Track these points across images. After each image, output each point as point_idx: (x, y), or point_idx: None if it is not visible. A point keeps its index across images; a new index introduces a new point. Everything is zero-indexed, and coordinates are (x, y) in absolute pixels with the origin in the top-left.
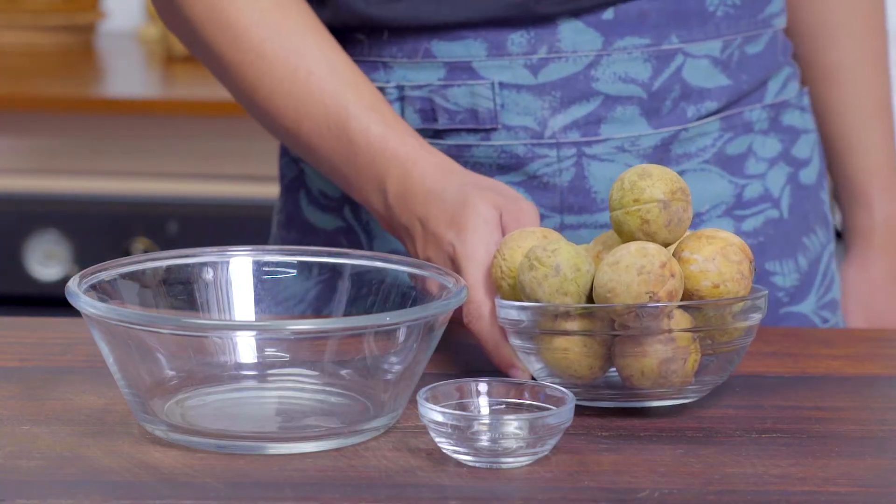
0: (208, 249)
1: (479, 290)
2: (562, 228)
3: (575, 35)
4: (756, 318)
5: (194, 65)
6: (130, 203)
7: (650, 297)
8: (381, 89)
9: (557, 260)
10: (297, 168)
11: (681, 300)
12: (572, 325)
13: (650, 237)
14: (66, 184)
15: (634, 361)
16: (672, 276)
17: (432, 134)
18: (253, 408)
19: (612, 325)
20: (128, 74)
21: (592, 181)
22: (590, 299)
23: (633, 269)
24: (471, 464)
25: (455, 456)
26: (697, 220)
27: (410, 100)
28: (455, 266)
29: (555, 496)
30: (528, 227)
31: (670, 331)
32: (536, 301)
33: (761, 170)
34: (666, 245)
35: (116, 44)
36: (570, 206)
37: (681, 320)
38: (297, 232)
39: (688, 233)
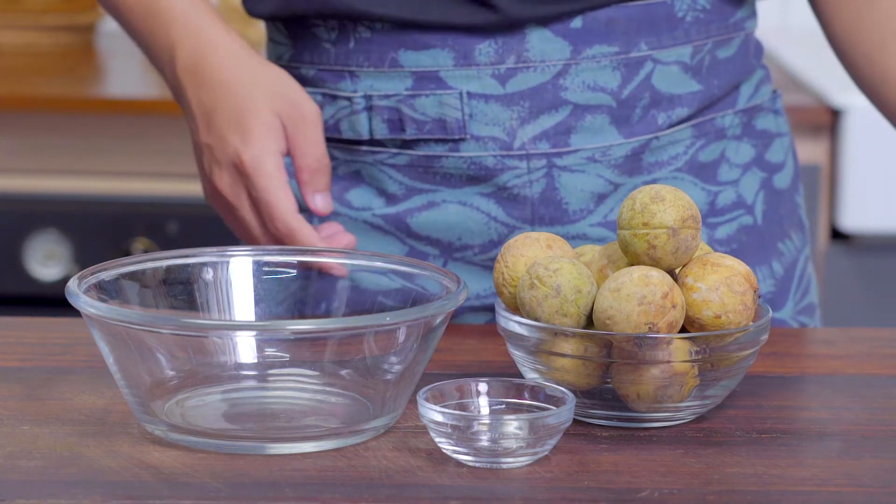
0: (208, 249)
1: (277, 196)
2: None
3: (543, 44)
4: (757, 345)
5: None
6: (130, 203)
7: (650, 328)
8: (349, 99)
9: (559, 280)
10: None
11: (682, 326)
12: (570, 347)
13: (655, 262)
14: (66, 184)
15: (631, 386)
16: (673, 306)
17: (401, 144)
18: (253, 408)
19: (610, 349)
20: (128, 74)
21: (563, 192)
22: (590, 319)
23: (633, 299)
24: (471, 464)
25: (455, 456)
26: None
27: (378, 109)
28: (242, 174)
29: (555, 496)
30: (305, 132)
31: (669, 361)
32: (536, 320)
33: (734, 176)
34: (670, 270)
35: (116, 44)
36: (541, 218)
37: (680, 349)
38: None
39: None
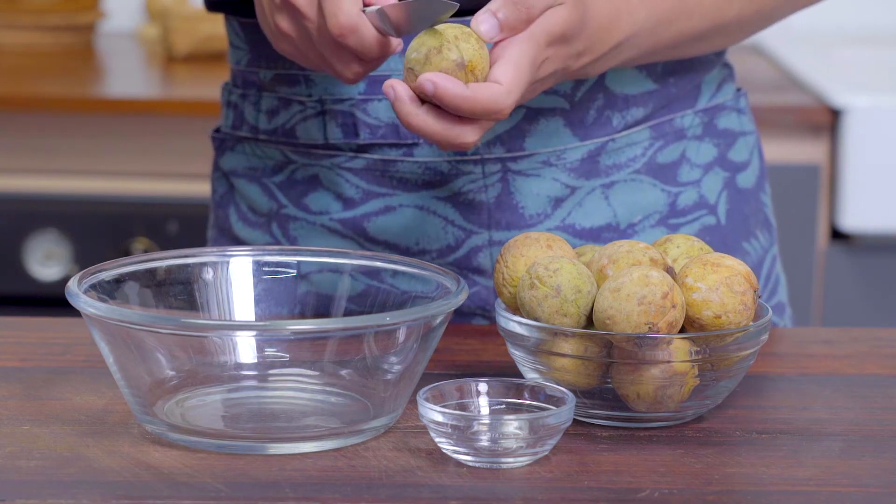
0: (208, 249)
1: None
2: (490, 245)
3: None
4: (757, 345)
5: (194, 65)
6: (130, 203)
7: (650, 328)
8: (302, 103)
9: (559, 280)
10: (227, 183)
11: (682, 326)
12: (570, 346)
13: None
14: (66, 184)
15: (631, 385)
16: (673, 306)
17: (356, 148)
18: (253, 408)
19: (610, 349)
20: (128, 74)
21: (519, 197)
22: (590, 319)
23: (633, 299)
24: (471, 464)
25: (455, 456)
26: (630, 231)
27: (332, 114)
28: None
29: (555, 496)
30: None
31: (669, 361)
32: (536, 320)
33: (695, 176)
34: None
35: (116, 44)
36: (497, 223)
37: (680, 349)
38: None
39: (694, 258)
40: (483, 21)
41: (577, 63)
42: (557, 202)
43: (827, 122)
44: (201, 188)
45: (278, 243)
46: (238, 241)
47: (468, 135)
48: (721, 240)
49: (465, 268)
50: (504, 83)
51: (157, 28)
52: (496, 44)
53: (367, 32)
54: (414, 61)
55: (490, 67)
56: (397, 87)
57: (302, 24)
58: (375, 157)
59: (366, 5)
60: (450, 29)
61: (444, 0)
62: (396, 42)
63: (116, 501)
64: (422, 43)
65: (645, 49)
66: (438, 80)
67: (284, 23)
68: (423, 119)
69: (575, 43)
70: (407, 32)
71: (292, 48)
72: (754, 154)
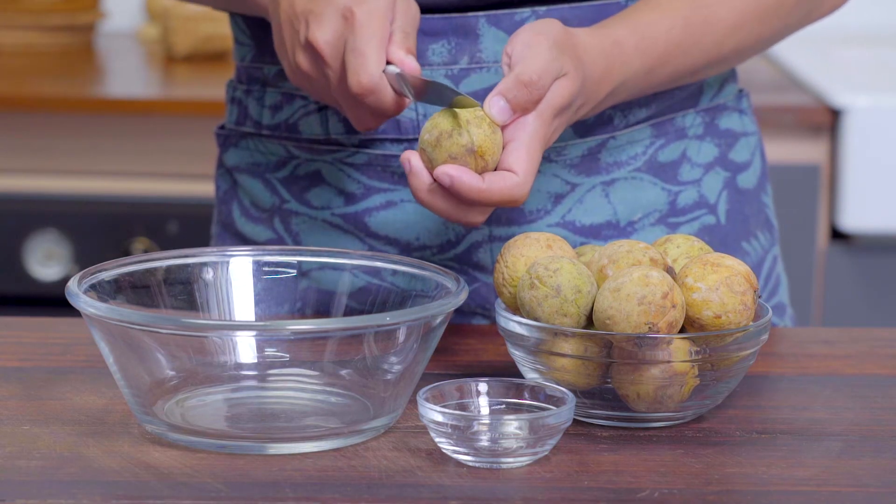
0: (208, 249)
1: (372, 49)
2: (491, 241)
3: (496, 45)
4: (757, 345)
5: (194, 65)
6: (130, 203)
7: (650, 328)
8: (305, 98)
9: (559, 280)
10: (231, 179)
11: (682, 326)
12: (570, 346)
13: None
14: (66, 184)
15: (631, 385)
16: (673, 306)
17: (357, 143)
18: (253, 408)
19: (610, 349)
20: (128, 74)
21: None
22: (590, 319)
23: (633, 299)
24: (471, 464)
25: (455, 456)
26: (630, 229)
27: (334, 109)
28: (348, 24)
29: (555, 496)
30: (408, 23)
31: (669, 361)
32: (536, 320)
33: (696, 175)
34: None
35: (116, 44)
36: (497, 218)
37: (680, 349)
38: (232, 243)
39: (694, 258)
40: (494, 104)
41: (574, 117)
42: (558, 198)
43: (827, 122)
44: (201, 188)
45: (280, 238)
46: (241, 236)
47: (476, 216)
48: (720, 239)
49: (466, 263)
50: (519, 173)
51: (157, 28)
52: (508, 124)
53: (386, 94)
54: (426, 142)
55: (502, 147)
56: (413, 161)
57: (322, 70)
58: (377, 152)
59: (388, 61)
60: (464, 112)
61: (467, 95)
62: (410, 100)
63: (116, 501)
64: (435, 125)
65: (640, 89)
66: (454, 174)
67: (304, 63)
68: (434, 198)
69: (575, 104)
70: (423, 101)
71: (307, 85)
72: (756, 155)
